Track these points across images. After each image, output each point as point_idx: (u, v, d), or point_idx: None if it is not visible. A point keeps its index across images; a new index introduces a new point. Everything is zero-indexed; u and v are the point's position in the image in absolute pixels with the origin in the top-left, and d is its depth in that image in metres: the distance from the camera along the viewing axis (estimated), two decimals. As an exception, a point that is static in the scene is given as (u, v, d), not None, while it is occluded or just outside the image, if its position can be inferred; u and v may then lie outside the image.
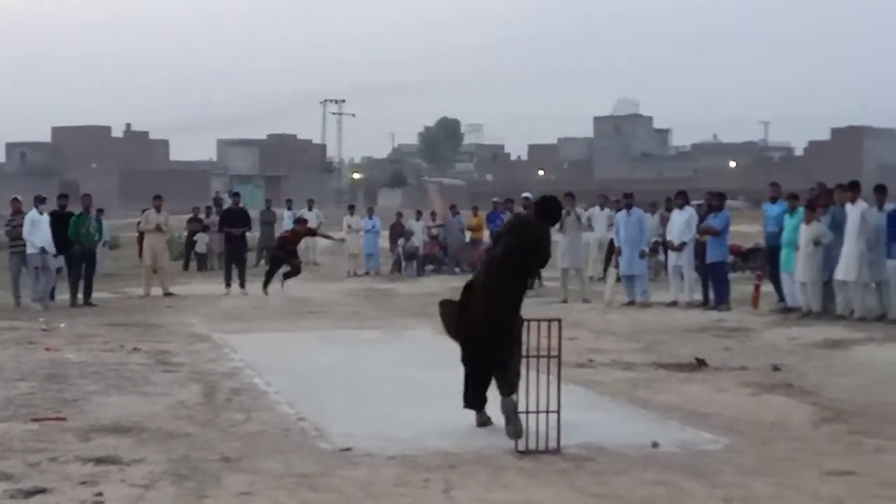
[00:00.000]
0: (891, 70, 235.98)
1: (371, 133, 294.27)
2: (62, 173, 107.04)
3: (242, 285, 24.63)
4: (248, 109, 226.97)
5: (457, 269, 31.81)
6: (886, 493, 7.64)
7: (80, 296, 22.14)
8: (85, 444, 9.02)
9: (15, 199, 22.40)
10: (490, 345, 9.39)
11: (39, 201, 21.99)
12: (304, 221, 26.68)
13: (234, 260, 25.23)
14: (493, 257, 9.74)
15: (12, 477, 7.88)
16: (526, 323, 9.04)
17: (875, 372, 12.86)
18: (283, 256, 24.50)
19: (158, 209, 25.68)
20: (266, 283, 23.35)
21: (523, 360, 9.01)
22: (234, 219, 25.84)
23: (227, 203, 36.76)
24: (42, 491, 7.51)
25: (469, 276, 10.29)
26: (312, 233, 27.02)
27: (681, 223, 21.13)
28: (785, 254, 19.03)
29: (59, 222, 22.15)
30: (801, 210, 18.62)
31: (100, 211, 32.04)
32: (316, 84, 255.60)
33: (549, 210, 9.99)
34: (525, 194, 26.92)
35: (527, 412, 8.73)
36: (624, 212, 21.99)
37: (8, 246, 22.38)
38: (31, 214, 21.67)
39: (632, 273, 21.31)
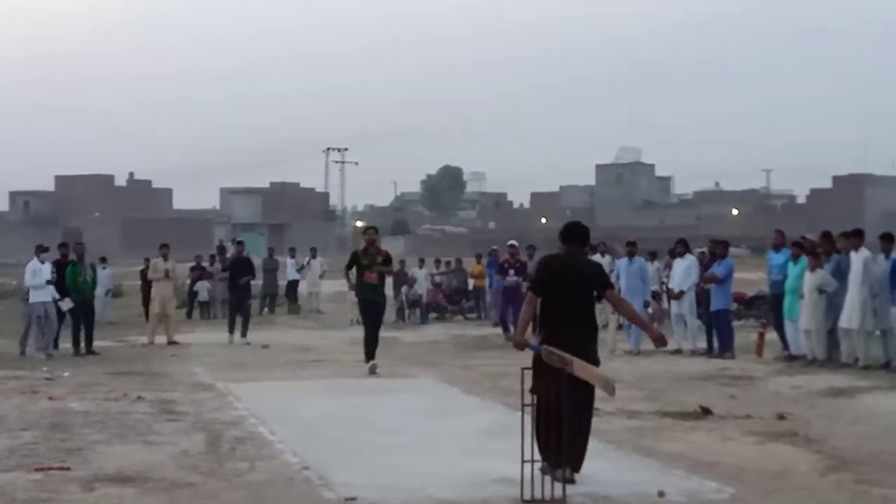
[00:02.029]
0: (891, 118, 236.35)
1: (373, 181, 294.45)
2: (65, 222, 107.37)
3: (244, 334, 24.59)
4: (251, 157, 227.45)
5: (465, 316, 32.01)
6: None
7: (82, 345, 22.12)
8: (89, 493, 9.00)
9: (38, 248, 22.42)
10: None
11: (41, 250, 22.06)
12: (376, 231, 19.32)
13: (238, 309, 25.20)
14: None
15: (16, 527, 7.86)
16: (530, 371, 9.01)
17: (880, 420, 12.82)
18: (367, 293, 18.38)
19: (165, 257, 25.76)
20: (369, 354, 18.30)
21: (527, 409, 8.97)
22: (239, 267, 25.78)
23: (230, 251, 36.95)
24: (46, 541, 7.49)
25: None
26: (387, 259, 18.76)
27: (681, 271, 21.24)
28: (789, 301, 19.01)
29: (61, 271, 22.19)
30: (804, 258, 18.62)
31: (103, 259, 32.21)
32: (318, 132, 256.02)
33: (572, 233, 9.98)
34: (511, 242, 26.95)
35: (532, 461, 8.70)
36: (626, 260, 22.04)
37: (24, 294, 22.40)
38: (32, 264, 21.74)
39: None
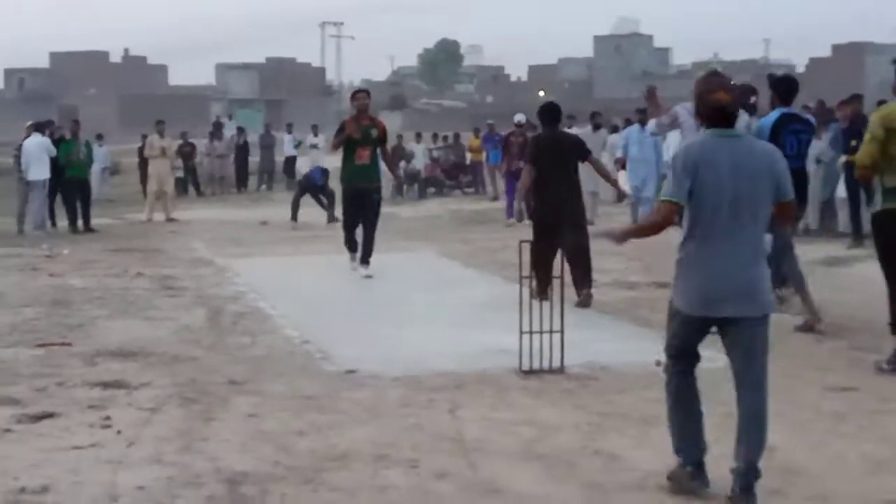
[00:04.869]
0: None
1: (370, 56, 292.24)
2: (60, 99, 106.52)
3: (333, 218, 22.32)
4: (247, 32, 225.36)
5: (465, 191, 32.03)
6: (887, 408, 7.71)
7: (80, 222, 22.10)
8: (91, 368, 9.09)
9: (30, 126, 22.27)
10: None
11: (37, 128, 21.91)
12: (368, 94, 15.41)
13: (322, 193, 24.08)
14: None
15: (20, 402, 7.95)
16: (529, 244, 9.03)
17: (876, 289, 12.78)
18: (357, 179, 14.97)
19: (161, 134, 25.69)
20: (353, 249, 15.04)
21: (526, 281, 9.00)
22: None
23: (228, 126, 36.81)
24: (50, 415, 7.58)
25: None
26: (383, 134, 15.14)
27: (676, 143, 20.87)
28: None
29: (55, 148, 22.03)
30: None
31: (99, 136, 32.02)
32: (314, 5, 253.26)
33: (546, 114, 12.53)
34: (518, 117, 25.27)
35: (530, 332, 8.76)
36: (636, 128, 21.00)
37: (17, 172, 22.28)
38: (31, 141, 21.57)
39: (647, 194, 20.15)
